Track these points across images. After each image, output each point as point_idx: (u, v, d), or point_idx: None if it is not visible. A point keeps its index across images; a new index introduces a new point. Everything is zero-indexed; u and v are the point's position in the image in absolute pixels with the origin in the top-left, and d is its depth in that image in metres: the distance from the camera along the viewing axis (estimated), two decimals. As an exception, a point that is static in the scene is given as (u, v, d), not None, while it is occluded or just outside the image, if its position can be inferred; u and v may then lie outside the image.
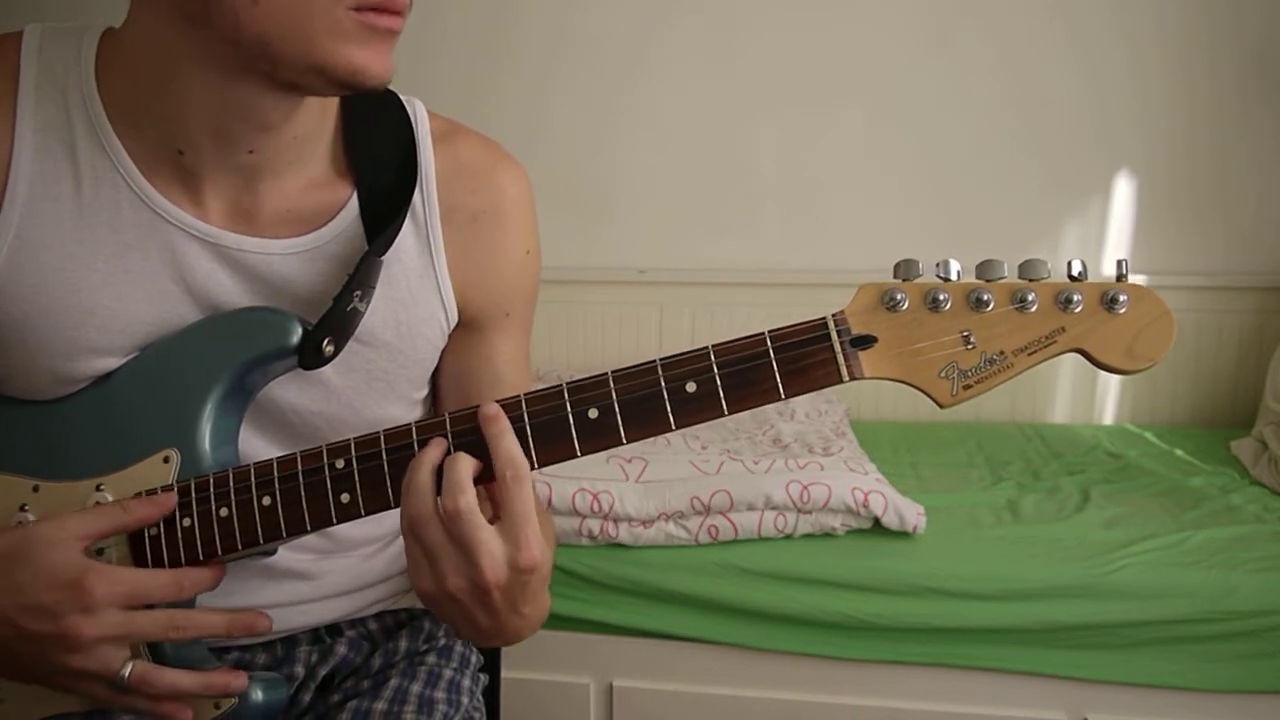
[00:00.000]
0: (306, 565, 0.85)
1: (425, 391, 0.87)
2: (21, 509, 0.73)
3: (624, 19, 2.55)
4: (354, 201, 0.77)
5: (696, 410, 0.65)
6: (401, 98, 0.82)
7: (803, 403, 2.28)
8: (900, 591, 1.62)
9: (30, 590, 0.66)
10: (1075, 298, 0.62)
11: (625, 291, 2.63)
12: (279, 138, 0.72)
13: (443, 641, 0.94)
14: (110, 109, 0.71)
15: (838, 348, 0.64)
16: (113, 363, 0.74)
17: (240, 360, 0.73)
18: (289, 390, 0.78)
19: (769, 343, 0.64)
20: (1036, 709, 1.63)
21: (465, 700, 0.91)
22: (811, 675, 1.67)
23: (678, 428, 0.65)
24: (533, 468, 0.66)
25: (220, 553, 0.71)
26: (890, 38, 2.48)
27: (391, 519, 0.84)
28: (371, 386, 0.81)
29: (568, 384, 0.67)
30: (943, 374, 0.63)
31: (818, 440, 2.02)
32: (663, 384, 0.65)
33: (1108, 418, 2.56)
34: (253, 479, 0.70)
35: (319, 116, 0.75)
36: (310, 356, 0.74)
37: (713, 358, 0.65)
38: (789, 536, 1.71)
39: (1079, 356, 0.63)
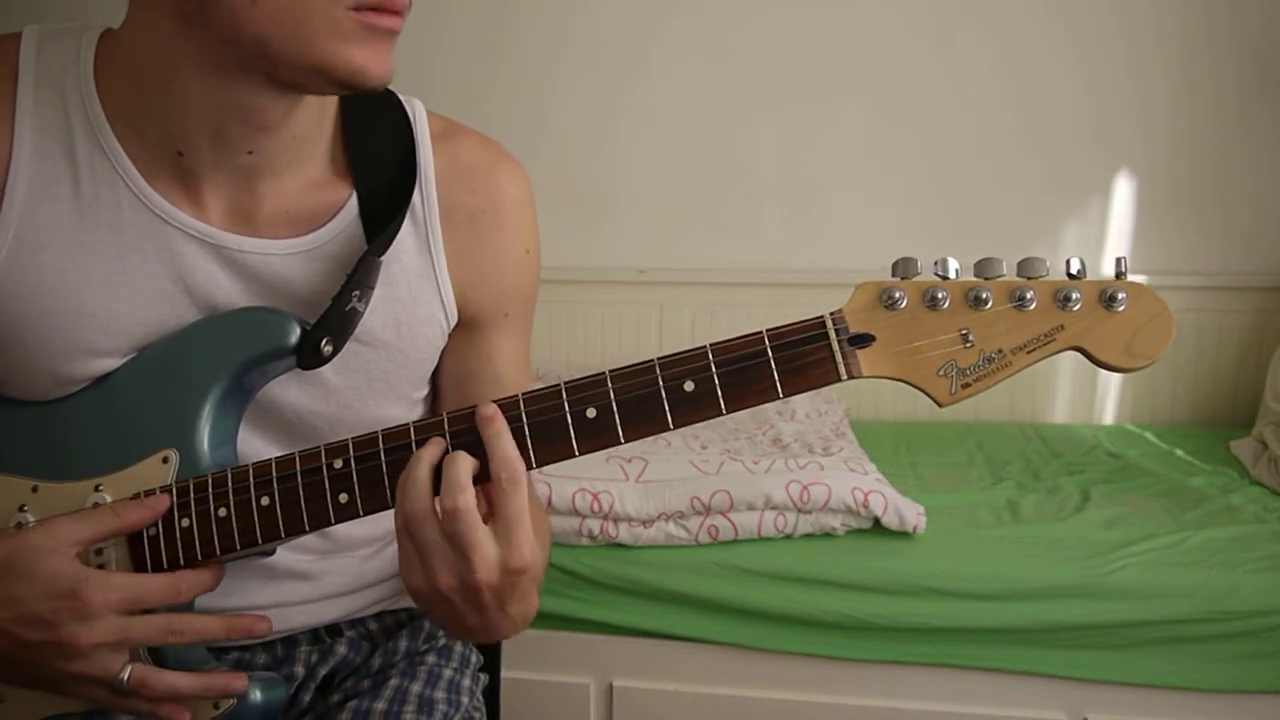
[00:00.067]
0: (306, 565, 0.85)
1: (425, 391, 0.87)
2: (20, 509, 0.73)
3: (624, 19, 2.55)
4: (353, 202, 0.77)
5: (694, 410, 0.65)
6: (401, 97, 0.82)
7: (803, 403, 2.28)
8: (900, 591, 1.61)
9: (26, 601, 0.66)
10: (1074, 295, 0.62)
11: (625, 291, 2.63)
12: (278, 138, 0.72)
13: (443, 641, 0.94)
14: (109, 110, 0.71)
15: (836, 346, 0.64)
16: (112, 363, 0.74)
17: (239, 360, 0.73)
18: (288, 390, 0.78)
19: (767, 342, 0.64)
20: (1036, 709, 1.63)
21: (465, 700, 0.91)
22: (811, 675, 1.67)
23: (676, 427, 0.65)
24: (531, 467, 0.66)
25: (219, 553, 0.71)
26: (890, 38, 2.48)
27: (391, 519, 0.84)
28: (371, 387, 0.81)
29: (565, 383, 0.66)
30: (941, 372, 0.63)
31: (818, 440, 2.02)
32: (660, 383, 0.65)
33: (1108, 418, 2.56)
34: (251, 479, 0.70)
35: (318, 117, 0.75)
36: (308, 356, 0.74)
37: (710, 357, 0.65)
38: (789, 536, 1.71)
39: (1079, 356, 0.63)
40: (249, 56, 0.65)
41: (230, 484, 0.71)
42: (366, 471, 0.69)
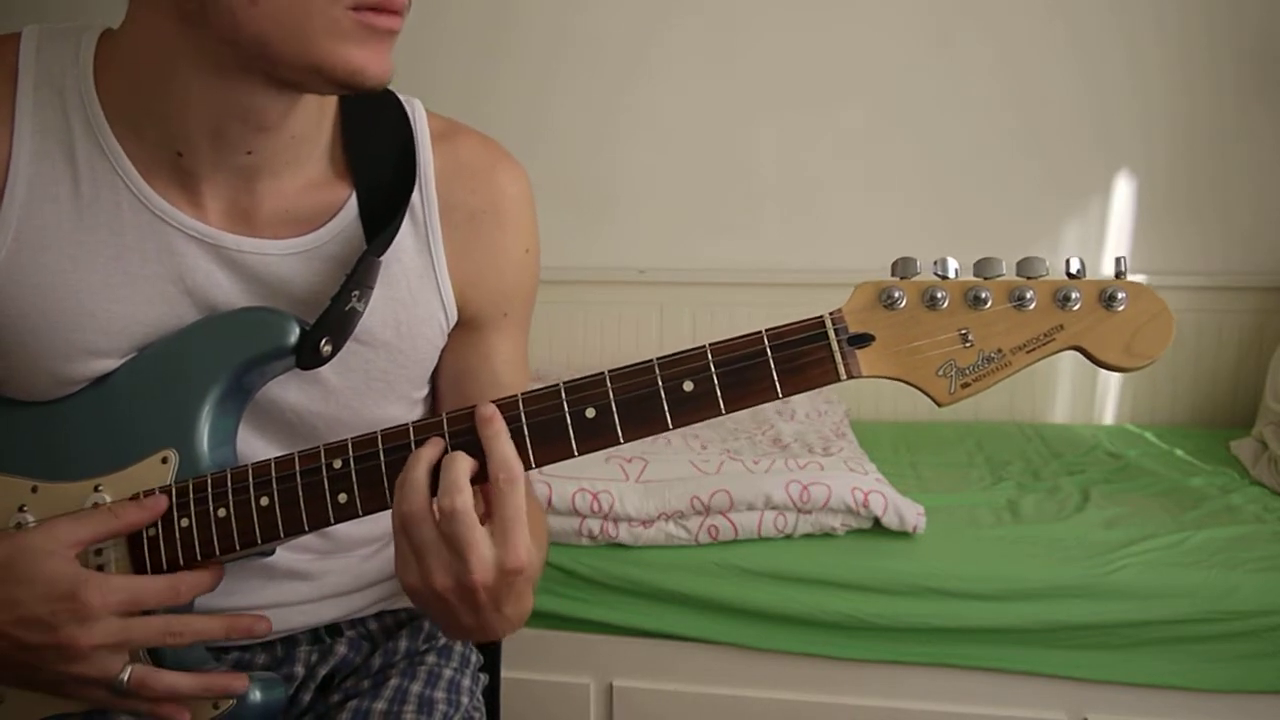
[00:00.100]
0: (306, 565, 0.85)
1: (425, 391, 0.87)
2: (20, 510, 0.73)
3: (624, 19, 2.55)
4: (352, 202, 0.77)
5: (694, 409, 0.65)
6: (400, 97, 0.81)
7: (803, 402, 2.28)
8: (900, 591, 1.61)
9: (26, 603, 0.66)
10: (1073, 295, 0.62)
11: (625, 291, 2.63)
12: (277, 138, 0.72)
13: (442, 642, 0.94)
14: (109, 110, 0.71)
15: (835, 346, 0.64)
16: (111, 364, 0.74)
17: (238, 360, 0.73)
18: (288, 390, 0.79)
19: (766, 342, 0.64)
20: (1036, 709, 1.63)
21: (465, 700, 0.91)
22: (811, 675, 1.67)
23: (675, 427, 0.65)
24: (530, 468, 0.66)
25: (218, 553, 0.71)
26: (890, 38, 2.48)
27: (390, 519, 0.84)
28: (371, 387, 0.81)
29: (565, 383, 0.66)
30: (940, 372, 0.63)
31: (818, 440, 2.02)
32: (660, 383, 0.65)
33: (1108, 418, 2.56)
34: (250, 480, 0.70)
35: (317, 116, 0.75)
36: (308, 357, 0.74)
37: (710, 357, 0.65)
38: (789, 536, 1.71)
39: (1078, 355, 0.63)
40: (248, 56, 0.65)
41: (229, 484, 0.71)
42: (365, 472, 0.69)
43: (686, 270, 2.62)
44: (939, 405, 0.63)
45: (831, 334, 0.64)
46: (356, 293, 0.74)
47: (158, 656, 0.72)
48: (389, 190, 0.78)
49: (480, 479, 0.66)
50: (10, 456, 0.75)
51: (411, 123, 0.81)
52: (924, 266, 0.64)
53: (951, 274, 0.63)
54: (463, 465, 0.65)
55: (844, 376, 0.64)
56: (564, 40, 2.58)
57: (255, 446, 0.79)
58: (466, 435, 0.67)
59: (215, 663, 0.77)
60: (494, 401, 0.67)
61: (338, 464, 0.69)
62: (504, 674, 1.06)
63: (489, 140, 0.85)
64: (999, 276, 0.63)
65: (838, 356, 0.64)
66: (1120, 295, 0.61)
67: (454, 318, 0.83)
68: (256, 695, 0.74)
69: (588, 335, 2.65)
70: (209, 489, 0.71)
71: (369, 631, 0.93)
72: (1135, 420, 2.53)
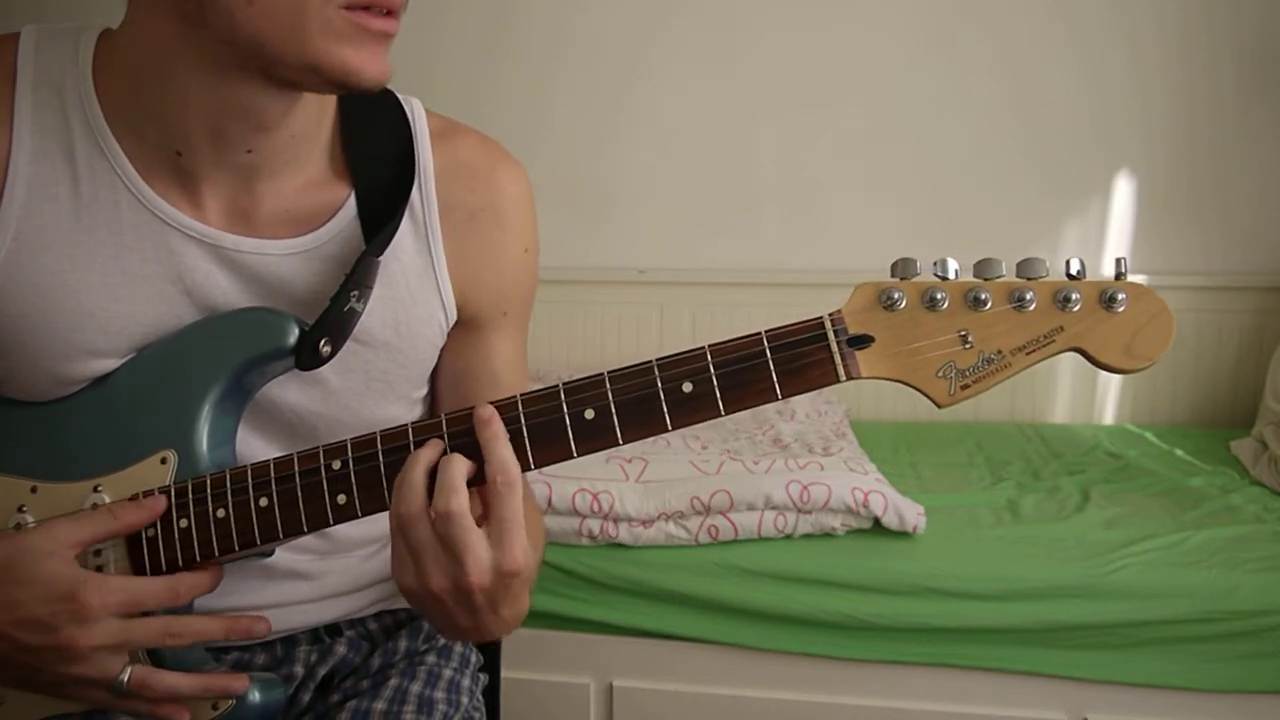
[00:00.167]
0: (306, 565, 0.85)
1: (424, 391, 0.87)
2: (19, 510, 0.73)
3: (624, 19, 2.55)
4: (351, 201, 0.77)
5: (693, 411, 0.65)
6: (399, 97, 0.81)
7: (803, 403, 2.28)
8: (900, 591, 1.61)
9: (25, 604, 0.66)
10: (1073, 296, 0.61)
11: (625, 291, 2.63)
12: (277, 137, 0.72)
13: (442, 642, 0.94)
14: (108, 110, 0.71)
15: (834, 347, 0.64)
16: (111, 364, 0.74)
17: (238, 361, 0.73)
18: (288, 391, 0.78)
19: (765, 343, 0.64)
20: (1036, 709, 1.63)
21: (465, 700, 0.91)
22: (811, 675, 1.67)
23: (674, 428, 0.65)
24: (529, 469, 0.66)
25: (218, 554, 0.71)
26: (890, 38, 2.48)
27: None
28: (370, 387, 0.81)
29: (564, 384, 0.66)
30: (940, 373, 0.63)
31: (818, 440, 2.02)
32: (659, 384, 0.65)
33: (1108, 418, 2.56)
34: (249, 480, 0.70)
35: (316, 116, 0.75)
36: (307, 357, 0.74)
37: (709, 358, 0.65)
38: (789, 536, 1.71)
39: (1078, 356, 0.63)
40: (246, 55, 0.65)
41: (229, 485, 0.71)
42: (364, 473, 0.69)
43: (686, 270, 2.62)
44: (939, 407, 0.63)
45: (831, 335, 0.64)
46: (355, 293, 0.74)
47: (157, 657, 0.72)
48: (388, 190, 0.78)
49: (478, 481, 0.66)
50: (10, 457, 0.75)
51: (411, 122, 0.81)
52: (924, 267, 0.64)
53: (951, 275, 0.63)
54: (459, 467, 0.65)
55: (843, 378, 0.64)
56: (564, 40, 2.58)
57: (255, 447, 0.79)
58: (465, 437, 0.67)
59: (215, 663, 0.77)
60: (493, 403, 0.67)
61: (337, 465, 0.69)
62: (504, 674, 1.06)
63: (488, 140, 0.85)
64: (999, 277, 0.63)
65: (837, 358, 0.64)
66: (1120, 296, 0.61)
67: (453, 317, 0.83)
68: (256, 696, 0.74)
69: (588, 335, 2.65)
70: (208, 490, 0.71)
71: (369, 631, 0.93)
72: (1135, 420, 2.53)
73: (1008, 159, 2.49)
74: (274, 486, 0.70)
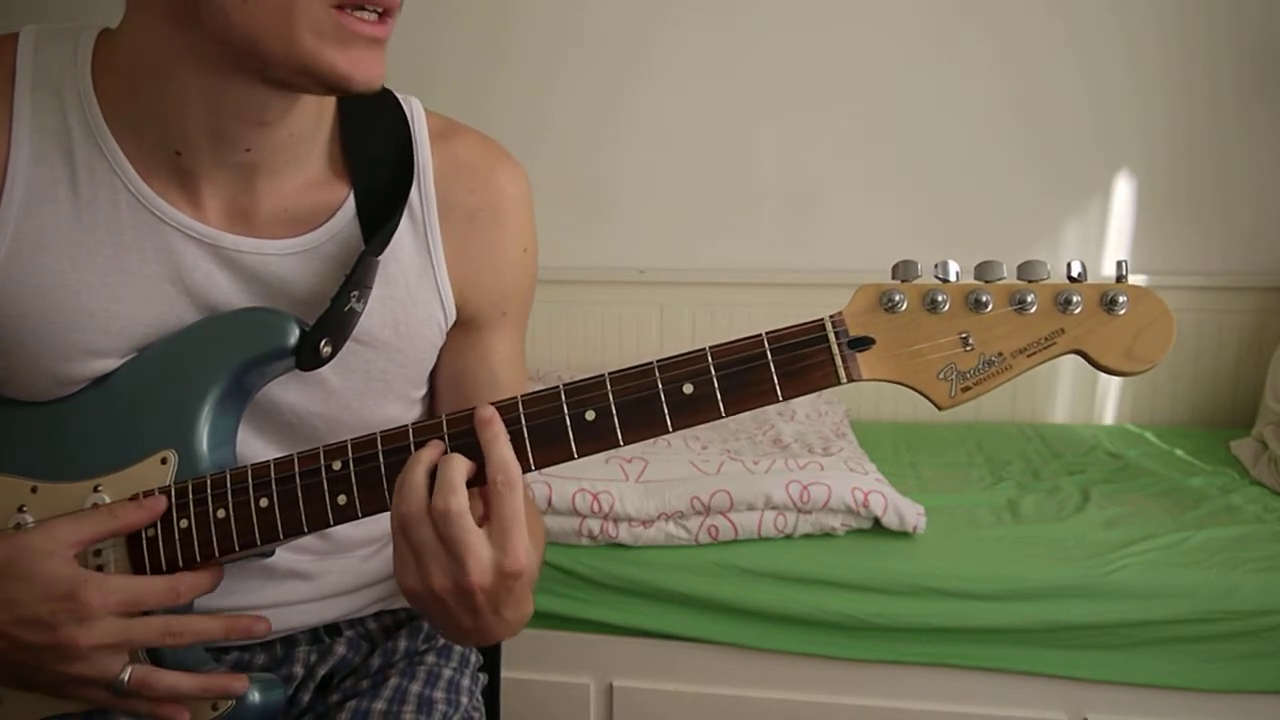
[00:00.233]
0: (305, 565, 0.85)
1: (423, 391, 0.87)
2: (19, 510, 0.73)
3: (624, 19, 2.55)
4: (350, 201, 0.77)
5: (693, 412, 0.65)
6: (399, 96, 0.81)
7: (803, 403, 2.28)
8: (900, 591, 1.61)
9: (25, 603, 0.66)
10: (1074, 299, 0.61)
11: (625, 291, 2.63)
12: (276, 135, 0.72)
13: (442, 641, 0.94)
14: (107, 110, 0.71)
15: (835, 349, 0.64)
16: (111, 364, 0.74)
17: (238, 361, 0.73)
18: (287, 391, 0.78)
19: (766, 344, 0.64)
20: (1036, 709, 1.63)
21: (464, 700, 0.91)
22: (811, 675, 1.67)
23: (675, 430, 0.65)
24: (530, 470, 0.66)
25: (218, 554, 0.71)
26: (890, 38, 2.48)
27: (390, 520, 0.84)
28: (370, 387, 0.81)
29: (565, 385, 0.66)
30: (941, 375, 0.63)
31: (818, 440, 2.02)
32: (660, 386, 0.65)
33: (1108, 418, 2.56)
34: (250, 481, 0.70)
35: (316, 115, 0.75)
36: (307, 357, 0.73)
37: (710, 359, 0.65)
38: (789, 536, 1.71)
39: (1079, 357, 0.63)
40: (241, 55, 0.65)
41: (229, 485, 0.71)
42: (365, 473, 0.69)
43: (686, 270, 2.62)
44: (940, 409, 0.63)
45: (832, 337, 0.64)
46: (355, 293, 0.74)
47: (157, 657, 0.72)
48: (387, 190, 0.78)
49: (479, 481, 0.66)
50: (10, 456, 0.75)
51: (410, 122, 0.81)
52: (924, 269, 0.64)
53: (952, 277, 0.63)
54: (459, 466, 0.65)
55: (844, 379, 0.64)
56: (564, 40, 2.58)
57: (255, 447, 0.79)
58: (466, 437, 0.67)
59: (214, 663, 0.77)
60: (494, 404, 0.67)
61: (337, 465, 0.69)
62: (504, 674, 1.06)
63: (488, 140, 0.85)
64: (1000, 280, 0.63)
65: (838, 359, 0.64)
66: (1121, 299, 0.61)
67: (452, 317, 0.83)
68: (255, 696, 0.74)
69: (588, 335, 2.65)
70: (208, 490, 0.71)
71: (368, 631, 0.93)
72: (1135, 420, 2.53)
73: (1008, 159, 2.48)
74: (274, 487, 0.70)
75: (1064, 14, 2.41)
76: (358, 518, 0.69)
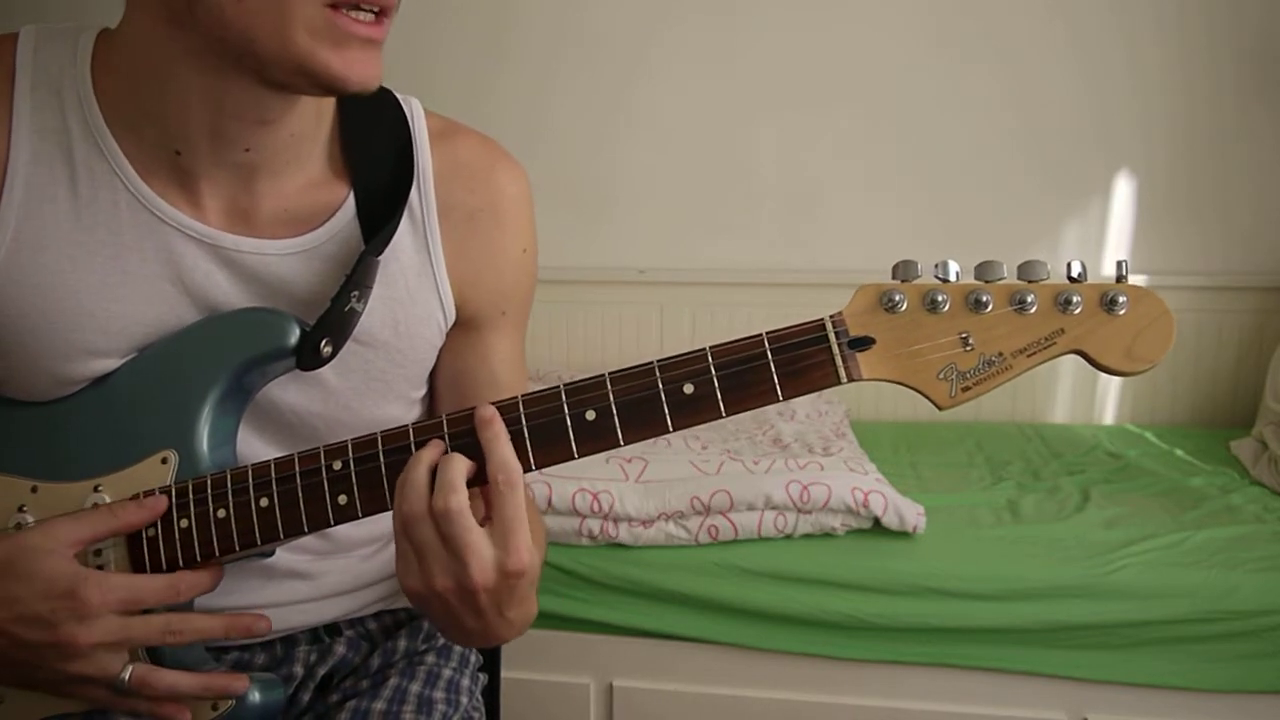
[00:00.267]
0: (305, 565, 0.85)
1: (423, 391, 0.87)
2: (20, 510, 0.73)
3: (624, 19, 2.55)
4: (350, 201, 0.77)
5: (694, 412, 0.65)
6: (399, 97, 0.81)
7: (803, 403, 2.28)
8: (900, 591, 1.61)
9: (25, 601, 0.66)
10: (1074, 299, 0.62)
11: (625, 291, 2.63)
12: (276, 135, 0.72)
13: (442, 641, 0.94)
14: (106, 110, 0.71)
15: (835, 349, 0.64)
16: (111, 364, 0.74)
17: (238, 361, 0.73)
18: (287, 391, 0.78)
19: (766, 344, 0.64)
20: (1036, 709, 1.63)
21: (464, 700, 0.91)
22: (811, 675, 1.67)
23: (675, 429, 0.65)
24: (530, 470, 0.66)
25: (218, 554, 0.71)
26: (890, 38, 2.48)
27: (389, 520, 0.84)
28: (370, 387, 0.81)
29: (565, 385, 0.66)
30: (941, 375, 0.63)
31: (818, 440, 2.02)
32: (660, 386, 0.65)
33: (1108, 418, 2.56)
34: (250, 481, 0.70)
35: (315, 115, 0.75)
36: (308, 357, 0.74)
37: (710, 359, 0.65)
38: (789, 536, 1.71)
39: (1079, 357, 0.63)
40: (237, 55, 0.65)
41: (229, 485, 0.71)
42: (365, 473, 0.69)
43: (686, 270, 2.62)
44: (940, 409, 0.63)
45: (832, 337, 0.64)
46: (356, 293, 0.74)
47: (157, 656, 0.72)
48: (387, 190, 0.78)
49: (479, 481, 0.66)
50: (10, 456, 0.75)
51: (410, 122, 0.81)
52: (925, 269, 0.64)
53: (952, 277, 0.63)
54: (459, 466, 0.65)
55: (844, 379, 0.64)
56: (564, 40, 2.58)
57: (255, 447, 0.79)
58: (466, 437, 0.67)
59: (214, 663, 0.77)
60: (494, 404, 0.67)
61: (337, 465, 0.69)
62: (504, 674, 1.06)
63: (488, 140, 0.85)
64: (1000, 280, 0.63)
65: (838, 359, 0.64)
66: (1121, 299, 0.61)
67: (452, 317, 0.83)
68: (255, 696, 0.74)
69: (588, 335, 2.65)
70: (209, 490, 0.71)
71: (368, 631, 0.93)
72: (1135, 420, 2.53)
73: (1008, 159, 2.48)
74: (275, 487, 0.70)
75: (1064, 14, 2.41)
76: (358, 517, 0.69)
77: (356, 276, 0.74)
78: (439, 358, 0.85)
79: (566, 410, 0.66)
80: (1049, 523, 1.80)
